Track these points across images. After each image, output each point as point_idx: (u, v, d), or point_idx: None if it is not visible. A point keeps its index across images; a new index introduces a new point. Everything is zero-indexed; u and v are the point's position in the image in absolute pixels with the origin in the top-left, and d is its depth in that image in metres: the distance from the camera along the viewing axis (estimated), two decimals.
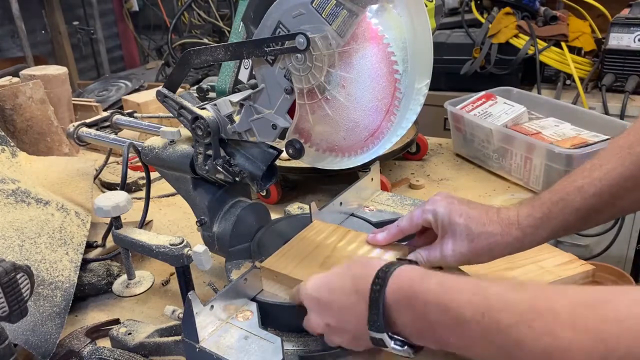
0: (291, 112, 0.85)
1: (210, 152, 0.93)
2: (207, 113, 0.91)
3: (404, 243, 0.92)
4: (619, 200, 0.73)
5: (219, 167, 0.92)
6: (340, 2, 0.72)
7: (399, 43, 0.79)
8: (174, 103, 0.94)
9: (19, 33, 3.15)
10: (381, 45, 0.78)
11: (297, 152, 0.86)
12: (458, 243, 0.79)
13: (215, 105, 0.92)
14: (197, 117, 0.91)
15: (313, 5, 0.74)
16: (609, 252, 2.05)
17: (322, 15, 0.74)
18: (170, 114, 0.96)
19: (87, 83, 2.70)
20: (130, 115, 1.30)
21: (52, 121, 1.59)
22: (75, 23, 3.85)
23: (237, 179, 0.94)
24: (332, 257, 0.89)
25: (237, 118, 0.91)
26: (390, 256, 0.88)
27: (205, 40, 3.25)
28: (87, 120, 1.28)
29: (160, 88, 0.96)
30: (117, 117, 1.29)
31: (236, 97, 0.87)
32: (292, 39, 0.76)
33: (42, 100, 1.57)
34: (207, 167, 0.94)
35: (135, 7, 4.11)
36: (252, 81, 0.87)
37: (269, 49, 0.79)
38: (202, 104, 0.94)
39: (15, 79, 1.63)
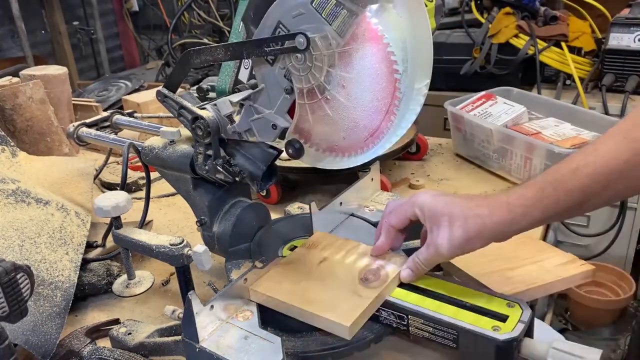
0: (291, 112, 0.85)
1: (210, 152, 0.93)
2: (207, 113, 0.91)
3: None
4: (613, 183, 0.73)
5: (219, 167, 0.92)
6: (340, 2, 0.72)
7: (399, 43, 0.79)
8: (174, 103, 0.94)
9: (19, 33, 3.15)
10: (381, 45, 0.78)
11: (296, 151, 0.86)
12: (447, 230, 0.79)
13: (215, 105, 0.92)
14: (197, 117, 0.91)
15: (313, 5, 0.74)
16: (609, 252, 2.05)
17: (322, 15, 0.74)
18: (170, 114, 0.96)
19: (87, 83, 2.70)
20: (130, 115, 1.30)
21: (52, 121, 1.59)
22: (75, 23, 3.85)
23: (237, 179, 0.94)
24: (329, 274, 0.88)
25: (237, 118, 0.91)
26: (392, 268, 0.86)
27: (205, 40, 3.25)
28: (87, 120, 1.28)
29: (160, 88, 0.96)
30: (117, 117, 1.29)
31: (236, 97, 0.87)
32: (292, 38, 0.76)
33: (42, 100, 1.57)
34: (207, 167, 0.94)
35: (135, 7, 4.11)
36: (252, 81, 0.88)
37: (269, 49, 0.79)
38: (202, 104, 0.94)
39: (15, 79, 1.63)
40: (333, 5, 0.73)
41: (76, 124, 1.27)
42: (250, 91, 0.86)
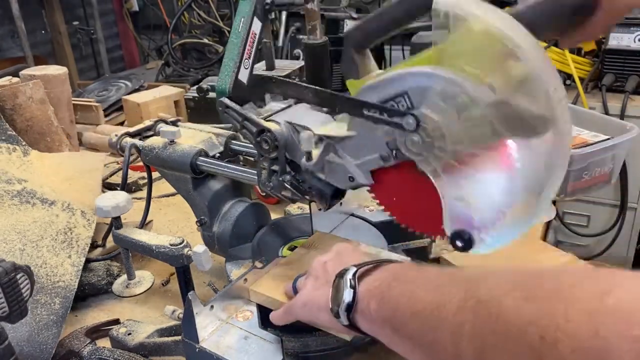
0: (376, 175, 0.75)
1: (275, 167, 0.85)
2: (275, 126, 0.83)
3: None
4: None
5: (286, 184, 0.84)
6: (493, 124, 0.61)
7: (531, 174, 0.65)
8: (236, 114, 0.86)
9: (19, 33, 3.15)
10: (511, 171, 0.64)
11: (466, 243, 0.68)
12: None
13: (288, 123, 0.83)
14: (262, 130, 0.83)
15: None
16: (609, 252, 2.05)
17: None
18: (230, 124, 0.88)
19: (87, 83, 2.70)
20: (173, 123, 1.20)
21: (52, 121, 1.59)
22: (75, 23, 3.85)
23: (307, 197, 0.85)
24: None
25: (315, 152, 0.80)
26: None
27: (206, 40, 3.25)
28: (130, 130, 1.20)
29: (222, 98, 0.88)
30: (161, 126, 1.19)
31: (322, 131, 0.77)
32: (401, 116, 0.65)
33: (42, 100, 1.57)
34: (271, 184, 0.86)
35: (135, 7, 4.11)
36: (340, 119, 0.76)
37: (369, 113, 0.68)
38: (266, 116, 0.86)
39: (15, 79, 1.63)
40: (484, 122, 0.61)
41: (119, 133, 1.17)
42: (336, 131, 0.76)
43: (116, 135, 1.16)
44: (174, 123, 1.18)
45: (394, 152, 0.71)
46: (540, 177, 0.65)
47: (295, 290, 0.76)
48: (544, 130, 0.61)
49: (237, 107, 0.86)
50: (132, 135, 1.17)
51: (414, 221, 0.76)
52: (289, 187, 0.84)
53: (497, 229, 0.67)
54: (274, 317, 0.76)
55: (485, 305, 0.45)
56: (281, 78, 0.81)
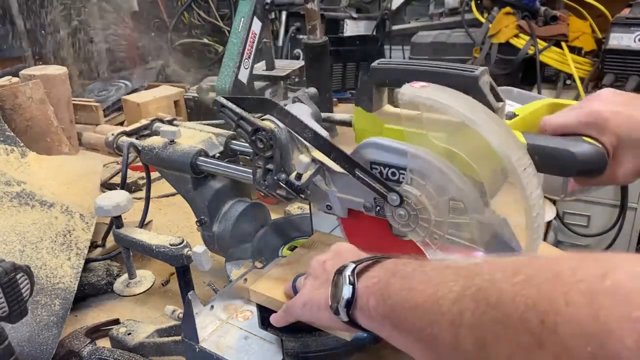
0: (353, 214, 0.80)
1: (271, 166, 0.86)
2: (269, 124, 0.84)
3: None
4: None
5: (281, 183, 0.85)
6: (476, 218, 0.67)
7: None
8: (232, 113, 0.87)
9: (19, 33, 3.15)
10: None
11: None
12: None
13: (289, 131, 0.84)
14: (258, 129, 0.85)
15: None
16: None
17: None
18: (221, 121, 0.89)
19: (87, 83, 2.70)
20: (169, 123, 1.20)
21: (52, 121, 1.59)
22: (76, 23, 3.85)
23: (302, 195, 0.86)
24: None
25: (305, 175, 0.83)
26: None
27: (206, 40, 3.25)
28: (127, 129, 1.19)
29: (218, 97, 0.89)
30: (157, 125, 1.19)
31: (319, 157, 0.80)
32: (385, 190, 0.72)
33: (42, 100, 1.57)
34: (267, 182, 0.87)
35: (135, 7, 4.11)
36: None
37: (359, 176, 0.73)
38: (261, 116, 0.87)
39: (15, 79, 1.63)
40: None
41: (115, 132, 1.17)
42: (332, 164, 0.79)
43: (112, 135, 1.16)
44: (170, 122, 1.17)
45: (378, 208, 0.76)
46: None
47: (295, 290, 0.76)
48: None
49: (233, 106, 0.87)
50: (129, 134, 1.17)
51: None
52: (284, 185, 0.84)
53: None
54: (274, 319, 0.76)
55: (484, 292, 0.45)
56: (286, 109, 0.80)
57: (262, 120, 0.85)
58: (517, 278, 0.43)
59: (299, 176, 0.82)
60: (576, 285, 0.39)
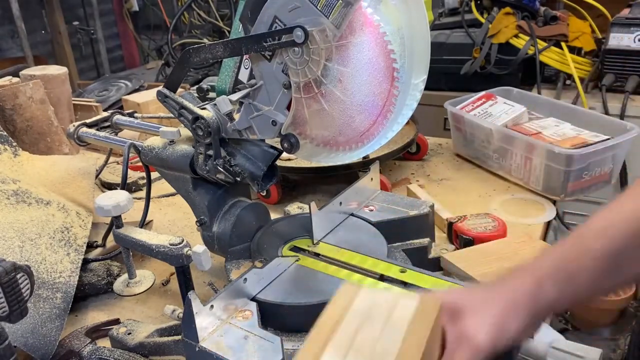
0: (290, 107, 0.85)
1: (211, 152, 0.93)
2: (208, 113, 0.91)
3: None
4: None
5: (219, 168, 0.92)
6: None
7: (397, 37, 0.79)
8: (174, 103, 0.94)
9: (19, 33, 3.15)
10: (378, 37, 0.78)
11: (292, 146, 0.87)
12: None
13: (215, 105, 0.92)
14: (197, 117, 0.91)
15: None
16: None
17: (318, 7, 0.74)
18: (171, 114, 0.96)
19: (87, 83, 2.70)
20: (130, 115, 1.30)
21: (52, 121, 1.59)
22: (75, 23, 3.85)
23: (237, 179, 0.94)
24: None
25: (237, 116, 0.91)
26: None
27: (206, 40, 3.25)
28: (88, 121, 1.28)
29: (160, 88, 0.96)
30: (118, 117, 1.29)
31: (235, 96, 0.87)
32: (289, 32, 0.76)
33: (42, 100, 1.57)
34: (207, 168, 0.94)
35: (135, 7, 4.11)
36: (252, 81, 0.88)
37: (268, 43, 0.79)
38: (202, 104, 0.94)
39: (15, 79, 1.63)
40: None
41: (76, 124, 1.26)
42: (249, 89, 0.86)
43: (74, 126, 1.25)
44: (131, 115, 1.24)
45: (288, 77, 0.82)
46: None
47: None
48: None
49: (174, 96, 0.94)
50: (89, 125, 1.26)
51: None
52: (221, 170, 0.92)
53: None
54: None
55: None
56: (196, 46, 0.88)
57: (202, 109, 0.92)
58: None
59: (230, 118, 0.91)
60: None
